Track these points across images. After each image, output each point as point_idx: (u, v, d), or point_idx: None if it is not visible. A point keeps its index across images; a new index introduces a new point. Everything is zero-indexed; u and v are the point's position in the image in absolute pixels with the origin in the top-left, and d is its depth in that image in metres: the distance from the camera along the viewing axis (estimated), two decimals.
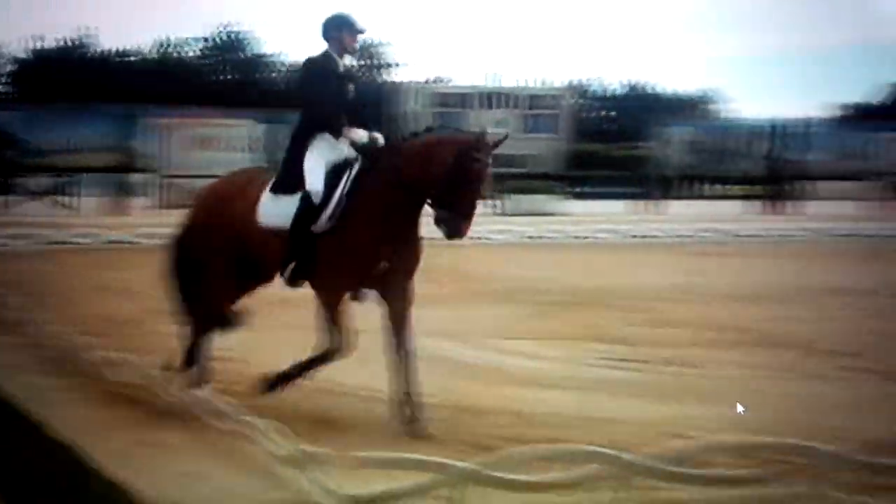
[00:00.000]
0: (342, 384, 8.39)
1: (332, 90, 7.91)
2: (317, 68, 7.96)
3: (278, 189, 7.87)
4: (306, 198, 7.72)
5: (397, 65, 66.66)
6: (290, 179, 7.84)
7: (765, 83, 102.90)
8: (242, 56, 63.65)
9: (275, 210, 7.83)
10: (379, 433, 7.33)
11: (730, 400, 8.53)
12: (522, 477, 5.93)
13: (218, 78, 61.11)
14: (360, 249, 7.63)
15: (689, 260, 21.14)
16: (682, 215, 33.04)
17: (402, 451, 6.34)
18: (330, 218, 7.67)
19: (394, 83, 61.12)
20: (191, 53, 63.73)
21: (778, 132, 50.94)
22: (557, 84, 62.23)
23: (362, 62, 66.66)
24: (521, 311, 13.50)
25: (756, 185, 46.67)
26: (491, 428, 7.44)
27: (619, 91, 71.34)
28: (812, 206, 38.31)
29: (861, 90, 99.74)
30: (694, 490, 6.08)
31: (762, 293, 15.45)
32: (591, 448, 6.20)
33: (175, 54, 63.11)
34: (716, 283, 16.85)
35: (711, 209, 36.31)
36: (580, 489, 5.93)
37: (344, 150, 7.87)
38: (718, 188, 49.25)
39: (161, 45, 62.90)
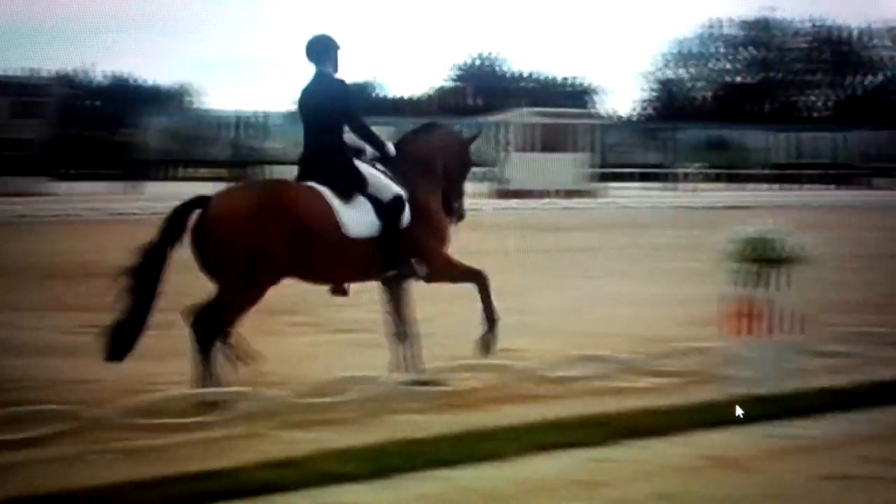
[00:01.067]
0: None
1: None
2: (350, 89, 7.67)
3: (346, 198, 7.37)
4: (397, 201, 7.47)
5: None
6: (350, 188, 7.41)
7: (234, 80, 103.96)
8: None
9: (357, 221, 7.36)
10: None
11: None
12: None
13: None
14: (442, 225, 7.86)
15: None
16: (160, 195, 32.63)
17: None
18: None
19: None
20: None
21: (242, 123, 51.68)
22: (46, 74, 59.02)
23: None
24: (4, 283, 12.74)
25: (224, 169, 47.10)
26: None
27: (103, 82, 68.96)
28: None
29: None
30: (161, 438, 6.05)
31: None
32: (54, 407, 6.00)
33: None
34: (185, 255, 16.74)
35: (187, 189, 36.08)
36: (50, 446, 5.72)
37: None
38: (192, 171, 49.16)
39: None
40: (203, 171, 48.43)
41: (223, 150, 52.30)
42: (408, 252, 7.55)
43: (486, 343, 7.77)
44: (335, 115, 7.54)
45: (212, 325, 7.09)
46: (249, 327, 9.87)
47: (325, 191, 7.34)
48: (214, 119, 56.90)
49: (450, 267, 7.84)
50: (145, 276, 7.08)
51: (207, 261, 7.11)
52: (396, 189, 7.55)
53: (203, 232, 7.06)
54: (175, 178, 46.34)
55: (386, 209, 7.46)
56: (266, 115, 55.01)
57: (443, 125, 8.83)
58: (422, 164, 7.85)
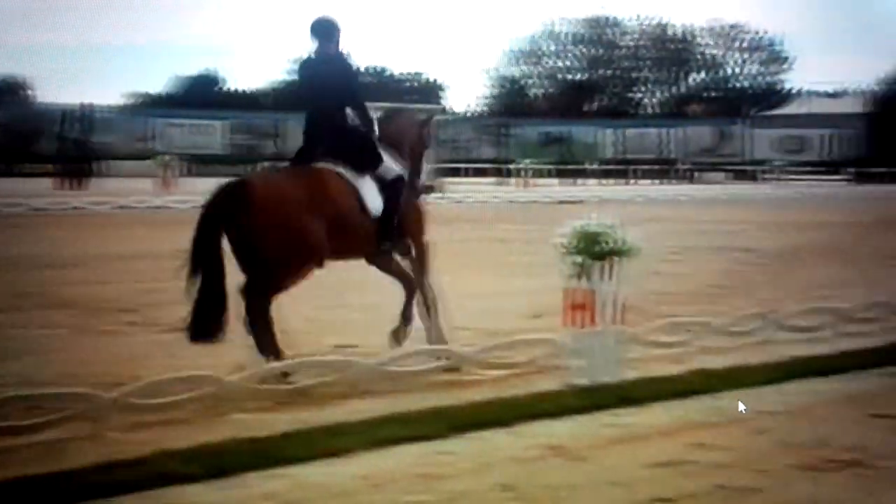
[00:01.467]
0: None
1: None
2: (355, 67, 7.30)
3: (363, 175, 7.67)
4: (399, 179, 7.85)
5: None
6: (370, 164, 7.72)
7: (61, 72, 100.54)
8: None
9: (373, 199, 7.70)
10: None
11: (24, 356, 8.27)
12: None
13: None
14: (423, 207, 8.33)
15: None
16: None
17: None
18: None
19: None
20: None
21: (68, 117, 49.98)
22: None
23: None
24: None
25: (49, 164, 45.51)
26: None
27: None
28: (107, 183, 38.11)
29: (150, 82, 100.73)
30: None
31: (58, 260, 15.15)
32: None
33: None
34: (9, 252, 16.24)
35: (9, 185, 34.96)
36: None
37: None
38: (14, 167, 47.37)
39: None
40: (27, 167, 46.78)
41: (48, 145, 50.38)
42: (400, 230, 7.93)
43: (398, 335, 8.20)
44: (343, 91, 7.71)
45: (260, 302, 7.33)
46: (82, 326, 9.72)
47: (344, 171, 7.61)
48: (39, 113, 54.83)
49: (426, 252, 8.30)
50: (204, 260, 7.15)
51: (246, 246, 7.23)
52: (398, 168, 7.90)
53: (243, 217, 7.15)
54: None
55: (388, 187, 7.77)
56: (93, 109, 53.29)
57: (405, 109, 9.30)
58: (398, 148, 8.10)
